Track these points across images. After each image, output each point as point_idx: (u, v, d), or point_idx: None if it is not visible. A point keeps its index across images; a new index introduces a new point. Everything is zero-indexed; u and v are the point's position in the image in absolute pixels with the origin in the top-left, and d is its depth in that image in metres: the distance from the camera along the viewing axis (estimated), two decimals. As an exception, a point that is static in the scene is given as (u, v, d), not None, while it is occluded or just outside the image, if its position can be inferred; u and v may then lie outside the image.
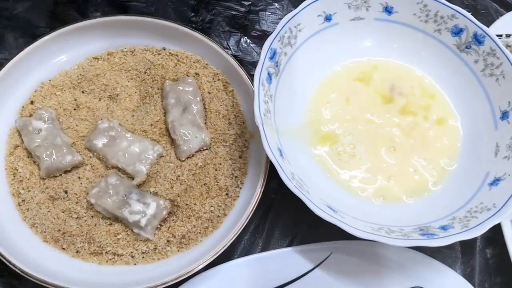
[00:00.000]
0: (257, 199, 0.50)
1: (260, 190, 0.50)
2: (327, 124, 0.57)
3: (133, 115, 0.56)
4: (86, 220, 0.51)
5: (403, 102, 0.59)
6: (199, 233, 0.51)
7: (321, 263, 0.52)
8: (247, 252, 0.53)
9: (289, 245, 0.54)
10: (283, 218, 0.55)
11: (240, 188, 0.53)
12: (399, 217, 0.52)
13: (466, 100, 0.58)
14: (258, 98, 0.50)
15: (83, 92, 0.57)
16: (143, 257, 0.50)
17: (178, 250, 0.51)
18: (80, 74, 0.58)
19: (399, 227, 0.50)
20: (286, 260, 0.51)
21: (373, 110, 0.58)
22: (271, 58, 0.53)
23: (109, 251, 0.50)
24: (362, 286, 0.51)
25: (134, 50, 0.59)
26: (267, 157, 0.50)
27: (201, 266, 0.47)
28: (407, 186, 0.55)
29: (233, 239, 0.48)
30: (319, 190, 0.51)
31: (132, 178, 0.53)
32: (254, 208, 0.49)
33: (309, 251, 0.52)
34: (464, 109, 0.59)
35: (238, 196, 0.53)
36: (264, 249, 0.54)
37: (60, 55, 0.58)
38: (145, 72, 0.58)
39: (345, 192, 0.54)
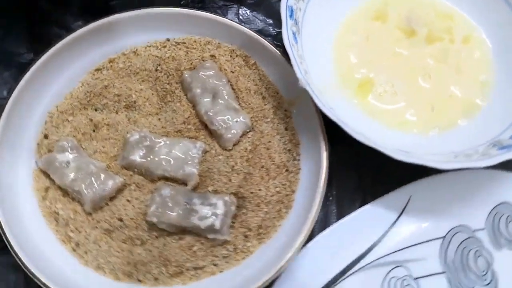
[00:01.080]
0: (326, 166, 0.46)
1: (326, 155, 0.47)
2: (358, 69, 0.54)
3: (159, 118, 0.51)
4: (152, 243, 0.46)
5: (425, 32, 0.57)
6: (274, 218, 0.48)
7: (403, 209, 0.49)
8: (325, 224, 0.50)
9: (363, 203, 0.51)
10: (347, 180, 0.52)
11: (298, 160, 0.50)
12: (463, 140, 0.51)
13: (485, 11, 0.57)
14: (295, 60, 0.47)
15: (96, 109, 0.51)
16: (227, 262, 0.46)
17: (259, 243, 0.47)
18: (87, 91, 0.52)
19: (472, 148, 0.48)
20: (369, 218, 0.49)
21: (399, 45, 0.56)
22: (291, 16, 0.50)
23: (189, 267, 0.46)
24: (451, 217, 0.49)
25: (136, 50, 0.54)
26: (319, 119, 0.47)
27: (291, 255, 0.43)
28: (456, 110, 0.53)
29: (317, 213, 0.45)
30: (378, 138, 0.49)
31: (185, 184, 0.48)
32: (326, 176, 0.46)
33: (388, 202, 0.49)
34: (485, 20, 0.57)
35: (300, 169, 0.49)
36: (341, 215, 0.51)
37: (58, 77, 0.52)
38: (156, 70, 0.53)
39: (401, 133, 0.52)
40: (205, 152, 0.50)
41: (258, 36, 0.51)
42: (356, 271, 0.48)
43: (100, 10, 0.57)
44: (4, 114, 0.47)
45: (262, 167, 0.49)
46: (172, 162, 0.48)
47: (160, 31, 0.54)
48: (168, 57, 0.53)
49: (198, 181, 0.48)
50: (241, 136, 0.50)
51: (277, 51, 0.50)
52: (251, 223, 0.47)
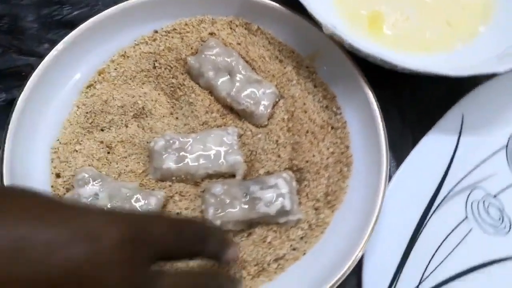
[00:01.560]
0: (377, 106, 0.43)
1: (373, 96, 0.43)
2: (363, 6, 0.51)
3: (176, 117, 0.46)
4: (221, 249, 0.41)
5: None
6: (338, 180, 0.43)
7: (460, 130, 0.47)
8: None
9: (415, 141, 0.47)
10: (392, 121, 0.48)
11: (340, 114, 0.45)
12: (491, 45, 0.48)
13: None
14: (311, 7, 0.42)
15: (102, 129, 0.45)
16: (305, 242, 0.42)
17: (332, 211, 0.42)
18: (86, 113, 0.45)
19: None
20: (430, 150, 0.46)
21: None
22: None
23: (269, 261, 0.41)
24: (508, 122, 0.47)
25: (125, 52, 0.47)
26: (352, 62, 0.44)
27: (377, 210, 0.39)
28: (472, 19, 0.51)
29: (388, 159, 0.41)
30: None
31: (233, 176, 0.43)
32: (381, 116, 0.42)
33: (442, 128, 0.46)
34: None
35: (345, 122, 0.45)
36: (397, 157, 0.47)
37: (48, 107, 0.44)
38: (154, 67, 0.47)
39: (427, 55, 0.49)
40: (240, 136, 0.44)
41: (258, -2, 0.46)
42: (436, 208, 0.45)
43: (62, 26, 0.51)
44: (5, 166, 0.40)
45: (307, 132, 0.44)
46: (211, 157, 0.43)
47: (145, 25, 0.47)
48: (163, 50, 0.47)
49: (245, 168, 0.43)
50: (273, 108, 0.45)
51: (283, 8, 0.46)
52: (316, 193, 0.43)
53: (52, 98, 0.44)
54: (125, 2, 0.46)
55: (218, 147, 0.43)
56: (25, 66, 0.49)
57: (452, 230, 0.44)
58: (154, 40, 0.48)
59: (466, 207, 0.45)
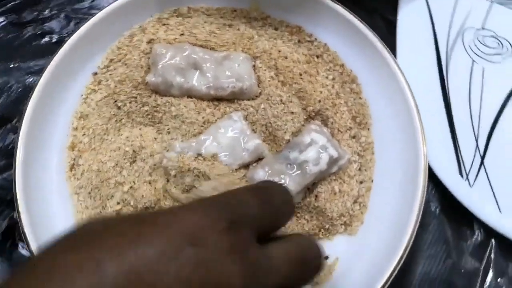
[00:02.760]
0: (346, 10, 0.41)
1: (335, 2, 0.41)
2: None
3: (171, 138, 0.42)
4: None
5: None
6: (354, 98, 0.42)
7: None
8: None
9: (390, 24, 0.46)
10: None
11: (315, 39, 0.43)
12: None
13: None
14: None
15: (112, 196, 0.40)
16: (366, 170, 0.41)
17: (368, 129, 0.42)
18: (89, 193, 0.40)
19: None
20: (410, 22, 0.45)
21: None
22: None
23: (350, 206, 0.40)
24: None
25: (80, 113, 0.42)
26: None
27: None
28: None
29: (389, 51, 0.40)
30: None
31: (260, 159, 0.40)
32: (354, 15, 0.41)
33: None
34: None
35: (325, 44, 0.43)
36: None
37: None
38: (119, 108, 0.42)
39: None
40: (245, 118, 0.41)
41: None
42: (447, 69, 0.45)
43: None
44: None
45: (300, 74, 0.42)
46: (230, 151, 0.40)
47: (81, 73, 0.42)
48: (115, 86, 0.42)
49: (267, 147, 0.40)
50: (255, 73, 0.42)
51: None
52: (345, 122, 0.42)
53: (41, 145, 0.39)
54: (50, 65, 0.40)
55: (232, 139, 0.40)
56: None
57: (470, 81, 0.45)
58: (99, 83, 0.42)
59: (467, 52, 0.46)
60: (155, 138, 0.41)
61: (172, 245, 0.22)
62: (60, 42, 0.48)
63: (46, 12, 0.50)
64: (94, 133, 0.41)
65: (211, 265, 0.22)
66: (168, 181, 0.40)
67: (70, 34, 0.41)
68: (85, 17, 0.49)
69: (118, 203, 0.40)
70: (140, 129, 0.42)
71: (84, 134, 0.41)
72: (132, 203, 0.40)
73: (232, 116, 0.41)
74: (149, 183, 0.40)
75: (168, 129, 0.41)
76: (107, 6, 0.42)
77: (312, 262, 0.27)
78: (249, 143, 0.40)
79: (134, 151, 0.41)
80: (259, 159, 0.41)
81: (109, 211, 0.40)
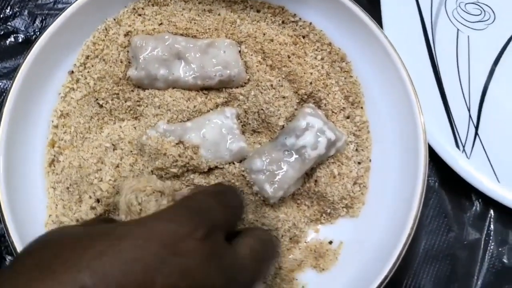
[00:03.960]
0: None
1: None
2: None
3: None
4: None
5: None
6: (345, 77, 0.41)
7: None
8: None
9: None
10: None
11: (299, 19, 0.42)
12: None
13: None
14: None
15: (94, 193, 0.38)
16: (362, 149, 0.40)
17: (361, 107, 0.41)
18: (67, 188, 0.38)
19: None
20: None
21: None
22: None
23: (350, 188, 0.39)
24: None
25: (60, 112, 0.39)
26: None
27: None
28: None
29: (377, 24, 0.39)
30: None
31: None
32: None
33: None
34: None
35: (310, 23, 0.41)
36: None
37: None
38: (101, 106, 0.40)
39: None
40: (238, 116, 0.40)
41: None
42: (434, 42, 0.44)
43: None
44: None
45: (288, 57, 0.40)
46: (213, 148, 0.38)
47: (56, 72, 0.40)
48: (95, 84, 0.40)
49: (248, 153, 0.39)
50: (242, 58, 0.40)
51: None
52: (338, 103, 0.41)
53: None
54: (22, 68, 0.37)
55: (218, 136, 0.38)
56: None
57: (457, 51, 0.44)
58: (77, 81, 0.40)
59: (451, 21, 0.45)
60: (134, 127, 0.39)
61: (157, 256, 0.23)
62: (27, 42, 0.45)
63: (7, 10, 0.47)
64: (76, 131, 0.39)
65: (195, 272, 0.23)
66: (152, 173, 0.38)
67: (39, 32, 0.38)
68: (51, 13, 0.47)
69: (98, 200, 0.38)
70: (121, 127, 0.40)
71: (65, 132, 0.39)
72: (110, 201, 0.38)
73: (225, 111, 0.39)
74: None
75: (149, 117, 0.39)
76: (75, 0, 0.39)
77: (272, 254, 0.34)
78: (234, 144, 0.38)
79: (113, 144, 0.39)
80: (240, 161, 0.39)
81: (84, 208, 0.37)
